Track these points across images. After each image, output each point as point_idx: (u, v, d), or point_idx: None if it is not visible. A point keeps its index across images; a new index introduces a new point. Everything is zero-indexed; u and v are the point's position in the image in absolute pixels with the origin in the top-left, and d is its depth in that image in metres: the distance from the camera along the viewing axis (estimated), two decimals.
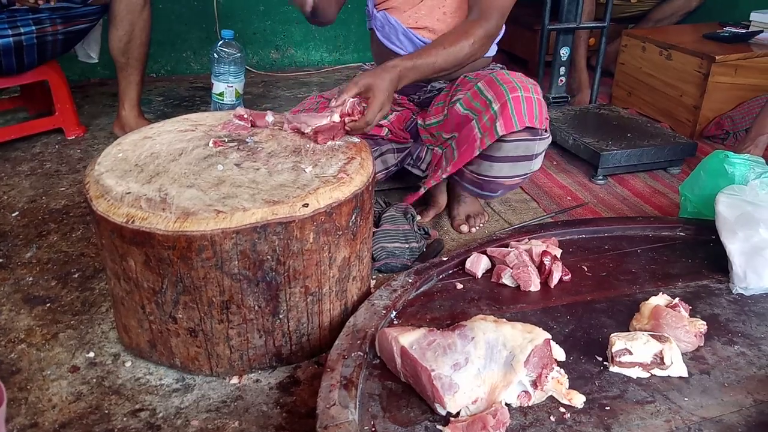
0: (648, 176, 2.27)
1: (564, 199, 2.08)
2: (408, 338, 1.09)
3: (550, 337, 1.09)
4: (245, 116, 1.44)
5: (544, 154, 1.60)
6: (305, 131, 1.37)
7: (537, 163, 1.59)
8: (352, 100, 1.40)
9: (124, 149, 1.32)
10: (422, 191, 1.65)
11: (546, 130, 1.54)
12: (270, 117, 1.46)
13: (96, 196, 1.18)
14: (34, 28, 2.07)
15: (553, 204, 2.05)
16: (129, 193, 1.15)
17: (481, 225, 1.89)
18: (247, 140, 1.37)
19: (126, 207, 1.13)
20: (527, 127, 1.49)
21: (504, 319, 1.14)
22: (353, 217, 1.24)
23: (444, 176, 1.62)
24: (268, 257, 1.14)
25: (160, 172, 1.22)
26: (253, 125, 1.44)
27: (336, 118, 1.37)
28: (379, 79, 1.42)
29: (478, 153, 1.53)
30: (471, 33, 1.53)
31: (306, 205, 1.15)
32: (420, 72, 1.50)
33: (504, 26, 1.77)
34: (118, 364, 1.30)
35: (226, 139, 1.36)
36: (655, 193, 2.15)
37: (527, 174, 1.60)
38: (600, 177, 2.20)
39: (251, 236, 1.11)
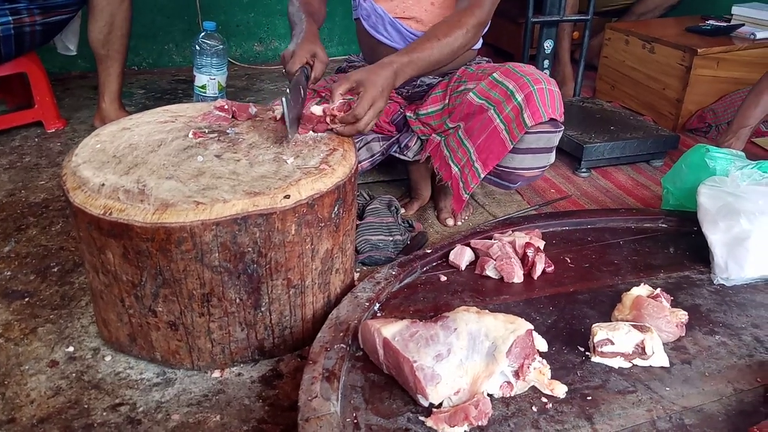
0: (631, 169, 2.28)
1: (548, 192, 2.09)
2: (390, 330, 1.09)
3: (532, 327, 1.09)
4: (226, 107, 1.42)
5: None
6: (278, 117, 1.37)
7: (554, 155, 1.59)
8: (340, 102, 1.35)
9: (102, 140, 1.30)
10: (466, 197, 1.63)
11: (563, 123, 1.54)
12: (252, 108, 1.45)
13: (73, 187, 1.16)
14: (10, 18, 2.04)
15: (537, 196, 2.05)
16: (106, 184, 1.13)
17: (467, 218, 1.89)
18: (227, 131, 1.35)
19: (103, 199, 1.11)
20: (550, 119, 1.49)
21: (486, 311, 1.14)
22: (336, 209, 1.23)
23: (482, 177, 1.58)
24: (249, 249, 1.13)
25: (139, 163, 1.21)
26: (234, 117, 1.42)
27: (317, 110, 1.35)
28: (374, 75, 1.37)
29: (511, 147, 1.51)
30: (464, 22, 1.52)
31: (287, 197, 1.13)
32: (417, 66, 1.46)
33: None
34: (98, 358, 1.28)
35: (207, 131, 1.35)
36: (637, 185, 2.16)
37: (546, 166, 1.60)
38: (583, 169, 2.21)
39: (232, 228, 1.10)
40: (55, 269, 1.56)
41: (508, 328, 1.07)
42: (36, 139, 2.32)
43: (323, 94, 1.59)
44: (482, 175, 1.57)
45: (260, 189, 1.13)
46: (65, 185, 1.18)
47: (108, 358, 1.28)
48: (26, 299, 1.45)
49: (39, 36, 2.17)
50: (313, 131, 1.35)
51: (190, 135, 1.32)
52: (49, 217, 1.80)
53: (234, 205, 1.09)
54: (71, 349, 1.30)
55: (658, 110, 2.67)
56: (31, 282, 1.51)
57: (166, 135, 1.32)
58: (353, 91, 1.37)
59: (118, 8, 2.19)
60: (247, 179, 1.16)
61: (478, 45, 1.77)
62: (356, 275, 1.53)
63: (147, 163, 1.21)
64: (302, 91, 1.38)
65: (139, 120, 1.40)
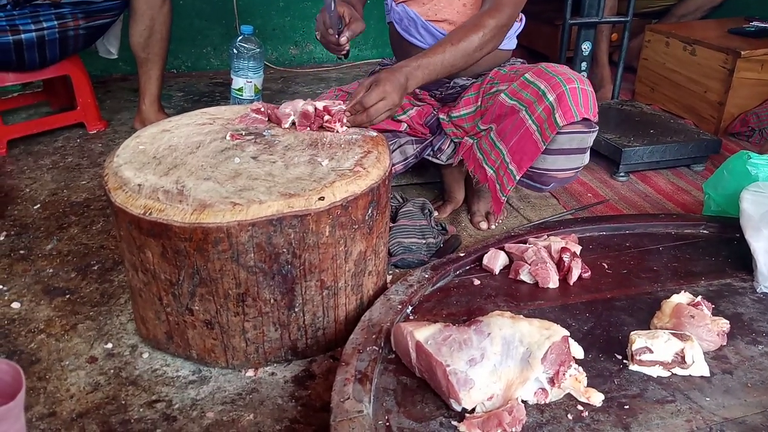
0: (671, 173, 2.23)
1: (584, 196, 2.05)
2: (423, 333, 1.08)
3: (568, 333, 1.08)
4: (262, 110, 1.43)
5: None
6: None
7: (588, 156, 1.57)
8: (340, 106, 1.41)
9: (142, 142, 1.33)
10: (504, 199, 1.62)
11: (597, 123, 1.52)
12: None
13: (114, 187, 1.18)
14: (56, 23, 2.10)
15: (573, 200, 2.02)
16: (147, 185, 1.16)
17: (500, 221, 1.87)
18: (264, 133, 1.37)
19: (143, 199, 1.13)
20: (583, 119, 1.47)
21: (521, 316, 1.13)
22: (369, 211, 1.24)
23: (518, 179, 1.56)
24: (284, 250, 1.14)
25: (178, 164, 1.23)
26: (270, 119, 1.43)
27: (310, 108, 1.39)
28: (386, 73, 1.42)
29: (543, 148, 1.49)
30: (481, 25, 1.51)
31: (322, 199, 1.14)
32: (429, 70, 1.47)
33: (524, 20, 1.75)
34: (136, 355, 1.31)
35: (243, 133, 1.36)
36: (678, 190, 2.11)
37: (579, 167, 1.58)
38: (622, 173, 2.17)
39: (267, 229, 1.11)
40: (96, 267, 1.60)
41: (544, 334, 1.05)
42: (78, 140, 2.38)
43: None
44: (517, 177, 1.55)
45: (295, 191, 1.14)
46: (107, 185, 1.21)
47: (145, 355, 1.31)
48: (67, 296, 1.49)
49: (82, 40, 2.23)
50: (310, 128, 1.40)
51: (228, 137, 1.34)
52: (90, 216, 1.84)
53: (270, 206, 1.11)
54: (110, 345, 1.33)
55: (699, 113, 2.61)
56: (72, 279, 1.55)
57: (204, 137, 1.35)
58: (368, 91, 1.40)
59: (158, 12, 2.24)
60: (282, 181, 1.17)
61: (512, 46, 1.75)
62: (389, 278, 1.53)
63: (186, 164, 1.23)
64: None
65: (178, 122, 1.43)
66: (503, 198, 1.61)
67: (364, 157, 1.28)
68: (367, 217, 1.24)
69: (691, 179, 2.19)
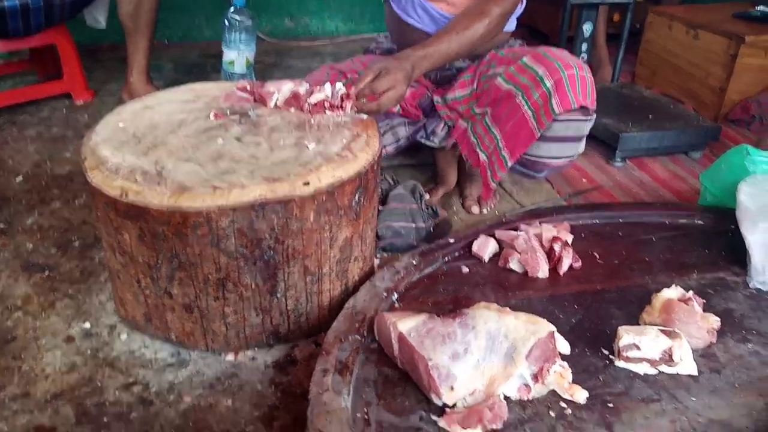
0: (668, 160, 2.19)
1: (579, 181, 2.02)
2: (406, 324, 1.06)
3: (554, 329, 1.05)
4: (248, 88, 1.39)
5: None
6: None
7: (583, 145, 1.54)
8: (340, 89, 1.34)
9: (123, 118, 1.29)
10: (494, 186, 1.59)
11: (594, 111, 1.48)
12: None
13: (91, 167, 1.15)
14: None
15: (568, 186, 1.99)
16: (124, 165, 1.12)
17: (493, 206, 1.84)
18: (249, 113, 1.32)
19: (121, 180, 1.09)
20: (580, 107, 1.43)
21: (508, 309, 1.10)
22: (356, 197, 1.20)
23: (509, 165, 1.53)
24: (267, 236, 1.11)
25: (158, 144, 1.19)
26: (256, 99, 1.38)
27: (302, 89, 1.34)
28: (395, 62, 1.37)
29: (538, 136, 1.46)
30: (486, 13, 1.47)
31: (307, 184, 1.10)
32: (434, 59, 1.44)
33: (525, 1, 1.69)
34: (114, 336, 1.28)
35: (228, 112, 1.32)
36: (674, 177, 2.08)
37: (574, 156, 1.54)
38: (618, 159, 2.13)
39: (249, 214, 1.07)
40: (77, 243, 1.56)
41: (529, 329, 1.03)
42: (64, 111, 2.32)
43: (348, 76, 1.55)
44: (509, 164, 1.52)
45: (279, 175, 1.10)
46: (84, 164, 1.17)
47: (124, 336, 1.28)
48: (46, 273, 1.45)
49: (68, 8, 2.16)
50: (301, 110, 1.34)
51: (211, 116, 1.29)
52: (73, 190, 1.80)
53: (252, 190, 1.07)
54: (88, 325, 1.31)
55: (699, 99, 2.56)
56: (52, 256, 1.52)
57: (187, 115, 1.30)
58: (377, 78, 1.35)
59: None
60: (266, 164, 1.13)
61: (512, 28, 1.70)
62: (377, 262, 1.50)
63: (166, 143, 1.19)
64: None
65: (161, 98, 1.38)
66: (493, 185, 1.58)
67: (353, 140, 1.24)
68: (354, 203, 1.20)
69: (688, 166, 2.15)
